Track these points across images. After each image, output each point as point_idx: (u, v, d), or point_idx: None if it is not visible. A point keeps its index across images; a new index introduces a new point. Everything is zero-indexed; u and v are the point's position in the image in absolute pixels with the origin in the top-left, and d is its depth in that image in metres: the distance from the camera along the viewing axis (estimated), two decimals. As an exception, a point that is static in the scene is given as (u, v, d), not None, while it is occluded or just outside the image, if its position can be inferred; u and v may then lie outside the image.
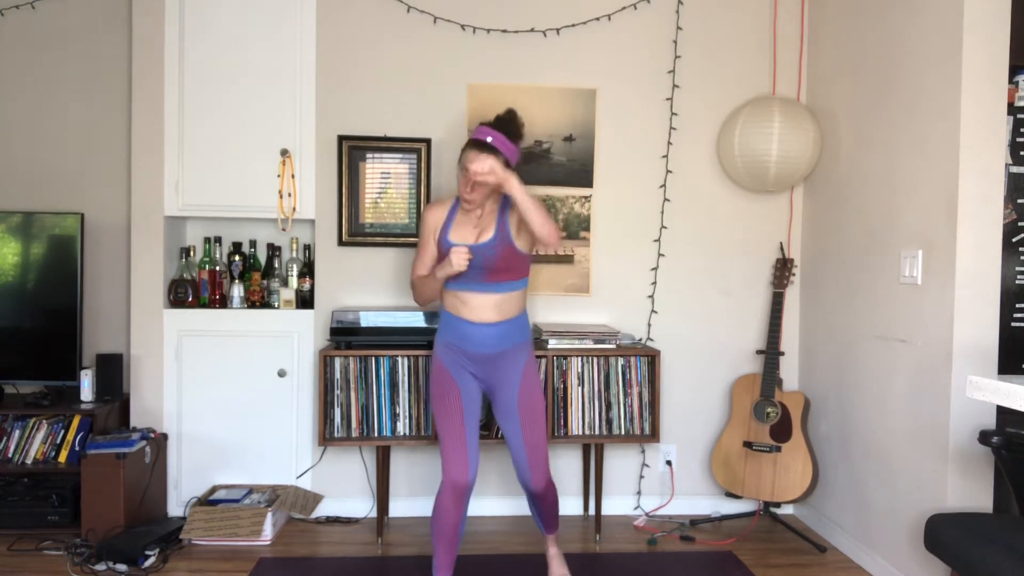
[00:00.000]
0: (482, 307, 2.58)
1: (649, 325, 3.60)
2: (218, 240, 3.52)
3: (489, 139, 2.46)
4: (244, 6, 3.39)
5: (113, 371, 3.39)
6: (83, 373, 3.34)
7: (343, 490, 3.51)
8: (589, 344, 3.20)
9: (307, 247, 3.58)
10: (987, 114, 2.51)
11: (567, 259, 3.55)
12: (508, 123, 2.53)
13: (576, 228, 3.54)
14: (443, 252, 2.57)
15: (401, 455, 3.52)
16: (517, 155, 2.55)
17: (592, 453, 3.46)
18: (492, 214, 2.59)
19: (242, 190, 3.41)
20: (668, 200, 3.58)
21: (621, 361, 3.22)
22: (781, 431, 3.31)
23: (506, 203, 2.60)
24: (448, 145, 3.48)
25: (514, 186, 2.40)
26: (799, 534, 3.31)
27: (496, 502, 3.56)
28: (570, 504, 3.55)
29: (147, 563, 2.91)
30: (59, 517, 3.14)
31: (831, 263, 3.35)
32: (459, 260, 2.47)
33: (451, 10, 3.46)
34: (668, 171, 3.58)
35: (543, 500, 2.71)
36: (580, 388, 3.18)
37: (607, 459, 3.59)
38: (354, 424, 3.16)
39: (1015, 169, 2.61)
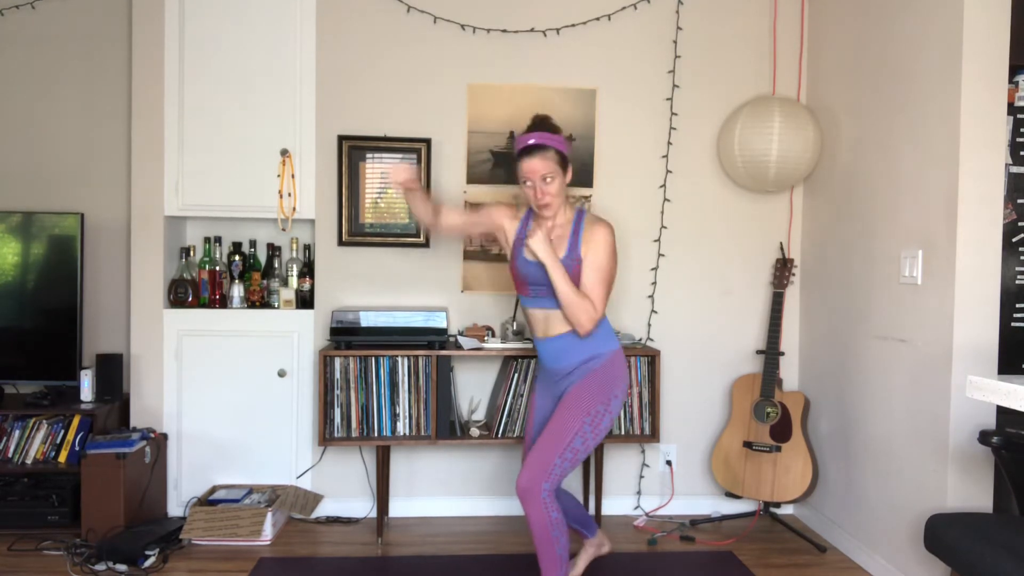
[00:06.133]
0: (545, 321, 2.58)
1: (649, 325, 3.60)
2: (218, 240, 3.52)
3: (532, 140, 2.47)
4: (244, 6, 3.39)
5: (113, 371, 3.39)
6: (83, 373, 3.34)
7: (343, 490, 3.51)
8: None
9: (307, 247, 3.58)
10: (987, 114, 2.51)
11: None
12: (543, 121, 2.55)
13: (576, 228, 3.54)
14: (516, 268, 2.59)
15: (401, 455, 3.52)
16: (567, 145, 2.54)
17: (592, 453, 3.46)
18: (566, 228, 2.56)
19: (242, 190, 3.41)
20: (668, 200, 3.58)
21: (621, 361, 3.22)
22: (781, 431, 3.31)
23: (580, 220, 2.55)
24: (448, 145, 3.48)
25: (546, 258, 2.44)
26: (799, 534, 3.31)
27: (496, 502, 3.56)
28: (570, 504, 3.55)
29: (147, 563, 2.91)
30: (59, 517, 3.14)
31: (831, 263, 3.35)
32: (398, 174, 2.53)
33: (451, 10, 3.46)
34: (668, 171, 3.58)
35: (524, 508, 2.48)
36: (580, 388, 3.18)
37: (607, 459, 3.59)
38: (354, 424, 3.16)
39: (1015, 169, 2.61)
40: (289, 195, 3.43)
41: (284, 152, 3.42)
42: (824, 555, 3.16)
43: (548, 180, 2.47)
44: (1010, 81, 2.55)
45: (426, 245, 3.49)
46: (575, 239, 2.52)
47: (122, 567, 2.86)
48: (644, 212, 3.58)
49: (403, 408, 3.17)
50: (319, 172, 3.45)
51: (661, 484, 3.63)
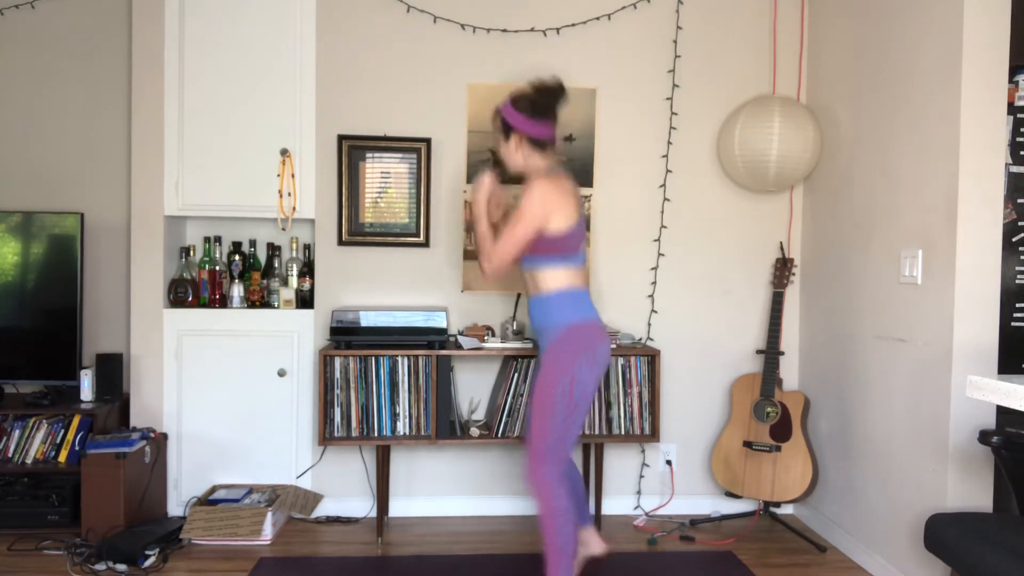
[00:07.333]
0: (525, 281, 2.69)
1: (649, 325, 3.60)
2: (218, 240, 3.53)
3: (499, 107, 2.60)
4: (244, 5, 3.39)
5: (113, 371, 3.39)
6: (83, 373, 3.34)
7: (343, 490, 3.51)
8: (589, 344, 3.19)
9: (307, 247, 3.58)
10: (987, 114, 2.51)
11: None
12: (535, 91, 2.58)
13: (576, 228, 3.53)
14: None
15: (401, 455, 3.52)
16: (529, 124, 2.53)
17: (592, 453, 3.46)
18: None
19: (242, 190, 3.41)
20: (668, 200, 3.58)
21: (621, 361, 3.22)
22: (781, 431, 3.31)
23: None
24: (448, 145, 3.48)
25: (474, 201, 2.62)
26: (799, 534, 3.31)
27: (499, 502, 3.57)
28: (570, 504, 3.55)
29: (147, 563, 2.91)
30: (59, 517, 3.14)
31: (831, 263, 3.35)
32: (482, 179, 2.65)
33: (451, 10, 3.46)
34: (668, 171, 3.58)
35: (532, 496, 2.57)
36: (580, 388, 3.18)
37: (607, 459, 3.59)
38: (354, 424, 3.16)
39: (1015, 169, 2.61)
40: (289, 195, 3.43)
41: (284, 152, 3.42)
42: (824, 555, 3.16)
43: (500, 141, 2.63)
44: (1010, 81, 2.55)
45: (426, 245, 3.49)
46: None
47: (122, 567, 2.86)
48: (644, 212, 3.58)
49: (403, 408, 3.17)
50: (319, 172, 3.45)
51: (661, 484, 3.63)
